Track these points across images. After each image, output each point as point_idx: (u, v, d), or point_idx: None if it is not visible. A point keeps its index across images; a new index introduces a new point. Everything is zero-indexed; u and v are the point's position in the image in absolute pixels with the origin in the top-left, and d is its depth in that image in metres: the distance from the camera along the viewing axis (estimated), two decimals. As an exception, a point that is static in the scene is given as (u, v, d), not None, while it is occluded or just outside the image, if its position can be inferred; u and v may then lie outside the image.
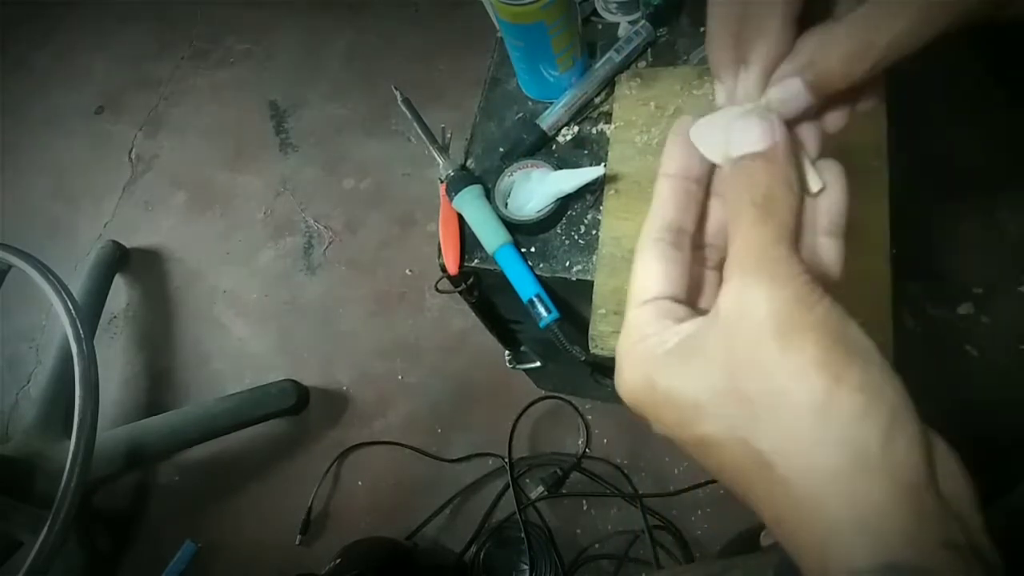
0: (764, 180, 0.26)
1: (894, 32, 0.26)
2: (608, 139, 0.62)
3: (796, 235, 0.26)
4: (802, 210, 0.28)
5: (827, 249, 0.29)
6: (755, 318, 0.24)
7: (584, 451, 1.09)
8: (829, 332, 0.23)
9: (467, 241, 0.63)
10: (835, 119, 0.31)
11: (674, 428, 0.27)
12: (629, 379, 0.28)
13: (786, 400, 0.23)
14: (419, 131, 0.62)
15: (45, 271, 0.97)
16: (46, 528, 0.83)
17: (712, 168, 0.30)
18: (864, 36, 0.27)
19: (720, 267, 0.27)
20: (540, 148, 0.64)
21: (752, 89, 0.30)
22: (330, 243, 1.41)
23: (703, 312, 0.27)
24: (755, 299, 0.24)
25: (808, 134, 0.30)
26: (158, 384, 1.36)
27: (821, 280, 0.27)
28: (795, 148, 0.28)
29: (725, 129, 0.28)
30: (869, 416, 0.22)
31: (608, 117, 0.64)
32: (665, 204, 0.29)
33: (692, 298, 0.30)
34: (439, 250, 0.63)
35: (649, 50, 0.66)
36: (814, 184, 0.28)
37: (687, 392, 0.26)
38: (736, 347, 0.24)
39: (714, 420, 0.25)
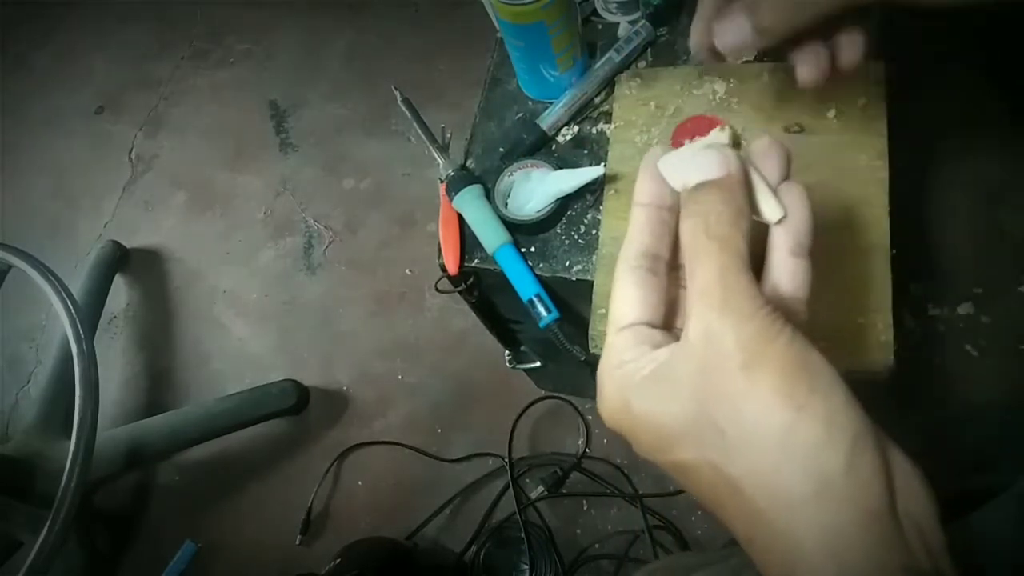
0: (714, 206, 0.27)
1: None
2: (608, 139, 0.62)
3: (751, 261, 0.27)
4: (763, 235, 0.29)
5: (793, 269, 0.30)
6: (722, 351, 0.25)
7: (584, 451, 1.09)
8: (791, 363, 0.24)
9: (467, 241, 0.63)
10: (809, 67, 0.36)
11: (651, 451, 0.28)
12: (609, 403, 0.29)
13: (753, 429, 0.24)
14: (419, 131, 0.62)
15: (45, 271, 0.97)
16: (46, 528, 0.83)
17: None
18: None
19: None
20: (540, 148, 0.64)
21: (696, 35, 0.39)
22: (330, 243, 1.41)
23: (679, 332, 0.29)
24: (721, 332, 0.25)
25: (769, 162, 0.31)
26: (158, 384, 1.36)
27: (790, 304, 0.29)
28: (751, 178, 0.29)
29: (689, 160, 0.29)
30: (831, 445, 0.23)
31: (608, 117, 0.64)
32: (640, 232, 0.31)
33: (669, 317, 0.31)
34: (439, 250, 0.63)
35: (649, 50, 0.66)
36: (774, 213, 0.29)
37: (661, 417, 0.27)
38: (705, 378, 0.25)
39: (687, 445, 0.26)
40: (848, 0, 0.34)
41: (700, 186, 0.28)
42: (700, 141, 0.31)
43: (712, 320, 0.25)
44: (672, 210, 0.31)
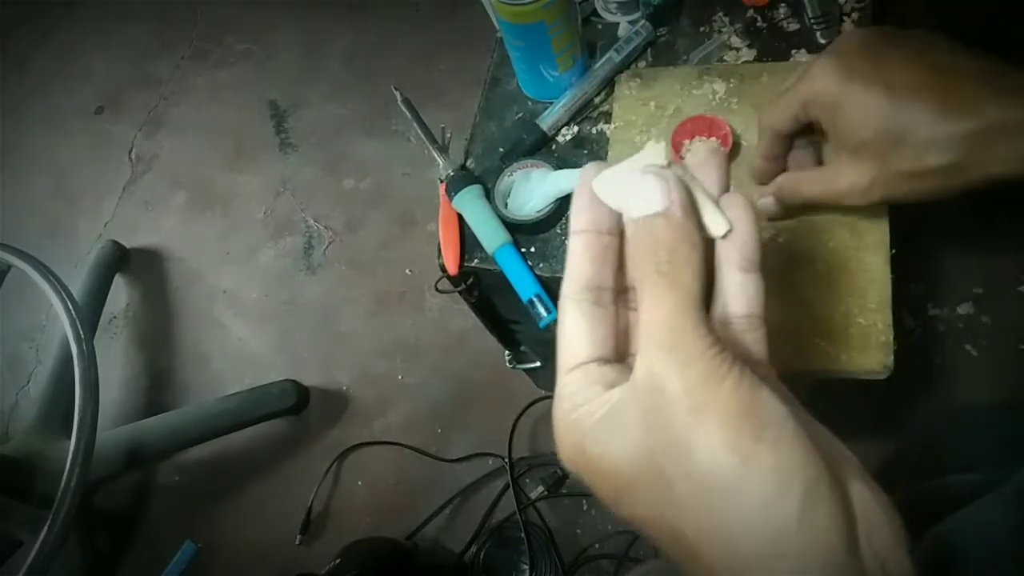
0: (665, 241, 0.26)
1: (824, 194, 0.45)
2: (608, 139, 0.62)
3: (703, 296, 0.26)
4: (711, 257, 0.28)
5: (743, 285, 0.28)
6: (667, 395, 0.24)
7: (584, 451, 1.08)
8: (737, 407, 0.23)
9: (467, 241, 0.63)
10: None
11: (609, 501, 0.27)
12: (566, 449, 0.27)
13: (702, 483, 0.23)
14: (419, 131, 0.62)
15: (45, 271, 0.97)
16: (46, 528, 0.83)
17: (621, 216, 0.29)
18: (812, 191, 0.46)
19: None
20: (540, 148, 0.64)
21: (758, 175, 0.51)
22: (330, 243, 1.41)
23: (633, 361, 0.27)
24: (666, 376, 0.24)
25: (708, 173, 0.29)
26: (158, 384, 1.36)
27: (745, 323, 0.28)
28: (694, 200, 0.28)
29: (626, 181, 0.28)
30: (781, 497, 0.22)
31: (608, 117, 0.64)
32: (580, 262, 0.29)
33: (621, 347, 0.30)
34: (439, 250, 0.63)
35: (649, 50, 0.66)
36: (719, 228, 0.28)
37: (614, 466, 0.25)
38: (652, 424, 0.24)
39: (641, 498, 0.25)
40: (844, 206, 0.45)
41: (645, 219, 0.27)
42: (636, 157, 0.29)
43: (657, 362, 0.24)
44: (612, 232, 0.29)
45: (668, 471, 0.24)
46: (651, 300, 0.25)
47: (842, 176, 0.44)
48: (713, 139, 0.57)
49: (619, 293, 0.30)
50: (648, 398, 0.24)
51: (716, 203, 0.28)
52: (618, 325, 0.29)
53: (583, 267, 0.28)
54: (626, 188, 0.28)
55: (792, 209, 0.50)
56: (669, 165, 0.28)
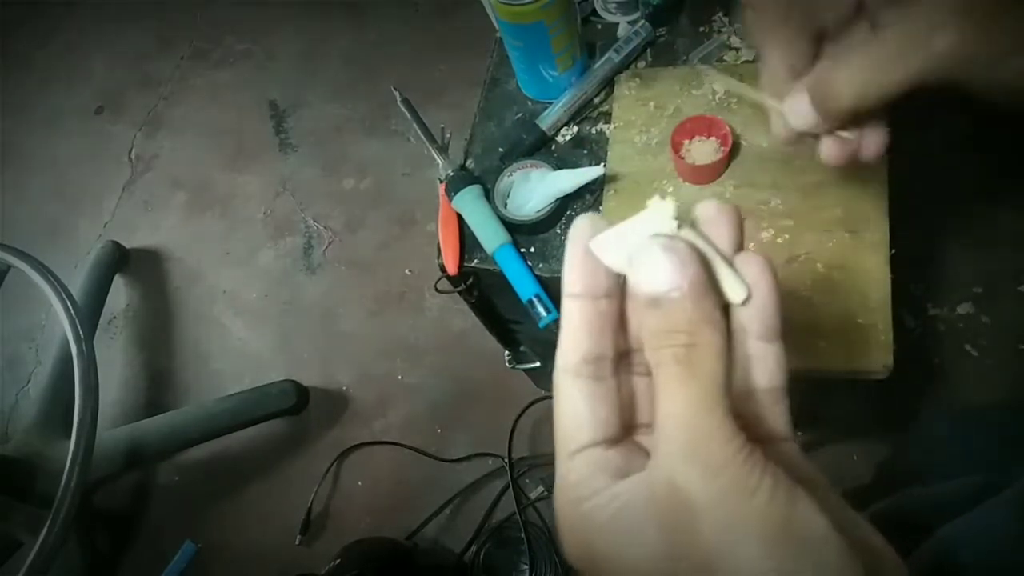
0: (681, 325, 0.23)
1: (892, 73, 0.30)
2: (607, 139, 0.62)
3: (728, 383, 0.23)
4: (728, 325, 0.25)
5: (764, 356, 0.26)
6: (692, 509, 0.21)
7: (584, 451, 1.08)
8: (772, 525, 0.21)
9: (467, 241, 0.63)
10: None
11: None
12: (571, 543, 0.25)
13: None
14: (419, 131, 0.62)
15: (45, 271, 0.97)
16: (46, 528, 0.83)
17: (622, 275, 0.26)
18: (869, 68, 0.31)
19: (650, 372, 0.24)
20: (539, 148, 0.64)
21: (773, 82, 0.35)
22: (330, 243, 1.41)
23: (641, 434, 0.26)
24: (690, 487, 0.22)
25: (720, 232, 0.26)
26: (158, 384, 1.36)
27: (767, 396, 0.26)
28: (709, 266, 0.25)
29: (631, 244, 0.25)
30: None
31: (607, 117, 0.64)
32: (576, 333, 0.25)
33: (626, 418, 0.27)
34: (439, 250, 0.63)
35: (648, 50, 0.66)
36: (736, 294, 0.25)
37: (629, 574, 0.23)
38: (676, 539, 0.22)
39: None
40: (917, 80, 0.30)
41: (656, 297, 0.23)
42: (640, 217, 0.25)
43: (679, 471, 0.22)
44: (610, 294, 0.26)
45: None
46: (669, 394, 0.23)
47: (915, 35, 0.29)
48: (713, 138, 0.57)
49: (620, 357, 0.27)
50: (669, 508, 0.22)
51: (732, 266, 0.25)
52: (621, 394, 0.26)
53: (580, 339, 0.25)
54: (630, 252, 0.24)
55: (833, 119, 0.35)
56: (679, 227, 0.25)
